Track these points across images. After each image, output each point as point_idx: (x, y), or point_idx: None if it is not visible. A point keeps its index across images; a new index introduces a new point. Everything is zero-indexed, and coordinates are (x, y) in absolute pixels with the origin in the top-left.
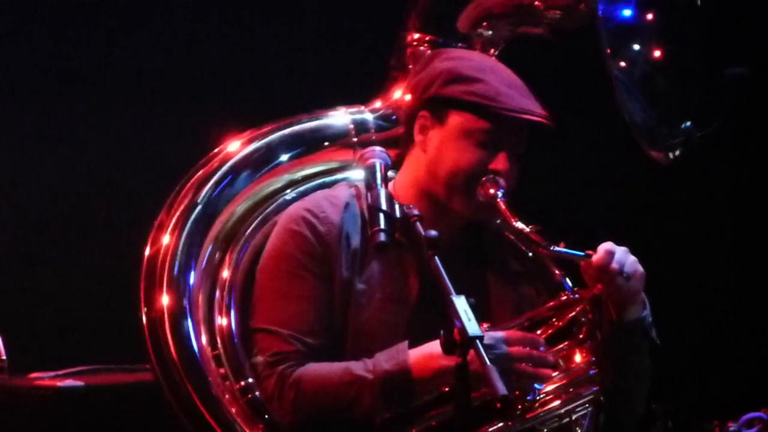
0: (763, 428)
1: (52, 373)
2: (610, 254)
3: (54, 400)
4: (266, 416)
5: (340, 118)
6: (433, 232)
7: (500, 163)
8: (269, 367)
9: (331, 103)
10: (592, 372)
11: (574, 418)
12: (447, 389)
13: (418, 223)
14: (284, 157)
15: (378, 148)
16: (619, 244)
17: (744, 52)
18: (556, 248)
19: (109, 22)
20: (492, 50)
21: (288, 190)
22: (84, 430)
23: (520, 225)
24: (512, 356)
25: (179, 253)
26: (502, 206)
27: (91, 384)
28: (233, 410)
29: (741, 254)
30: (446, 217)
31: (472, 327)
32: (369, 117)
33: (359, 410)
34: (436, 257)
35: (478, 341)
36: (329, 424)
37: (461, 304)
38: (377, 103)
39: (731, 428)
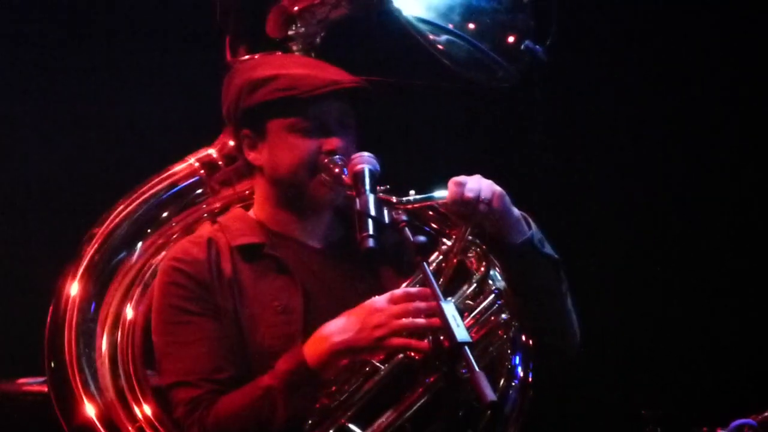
0: None
1: (41, 379)
2: (461, 185)
3: (42, 405)
4: None
5: (186, 165)
6: (422, 238)
7: (330, 143)
8: (187, 416)
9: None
10: (498, 303)
11: (493, 351)
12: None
13: (406, 229)
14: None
15: (367, 154)
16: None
17: None
18: (410, 198)
19: None
20: (312, 43)
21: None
22: None
23: (369, 192)
24: (398, 313)
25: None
26: (348, 181)
27: None
28: None
29: (733, 260)
30: (314, 218)
31: (461, 333)
32: (215, 155)
33: (279, 418)
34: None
35: (466, 347)
36: None
37: (449, 309)
38: (220, 140)
39: None
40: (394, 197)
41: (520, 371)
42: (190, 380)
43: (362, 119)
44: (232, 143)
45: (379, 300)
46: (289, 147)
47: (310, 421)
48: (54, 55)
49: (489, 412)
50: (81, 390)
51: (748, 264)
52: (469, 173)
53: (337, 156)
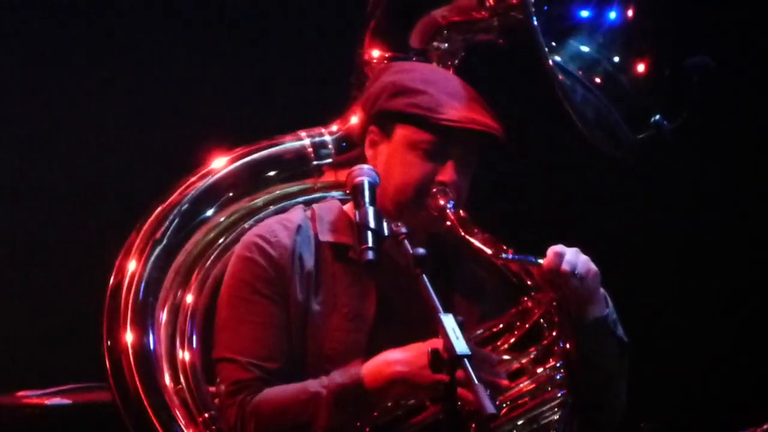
0: None
1: (40, 391)
2: (560, 256)
3: (41, 418)
4: None
5: (298, 142)
6: (421, 250)
7: (447, 174)
8: (230, 396)
9: (296, 126)
10: (559, 376)
11: (543, 423)
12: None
13: (406, 241)
14: (245, 187)
15: (366, 166)
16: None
17: (703, 42)
18: (507, 256)
19: None
20: (451, 61)
21: (248, 219)
22: None
23: (467, 236)
24: None
25: (144, 283)
26: (452, 217)
27: (78, 402)
28: None
29: (734, 273)
30: (408, 234)
31: (460, 345)
32: (328, 139)
33: (318, 426)
34: (425, 275)
35: (465, 359)
36: None
37: (449, 322)
38: (336, 125)
39: None
40: (492, 250)
41: None
42: (242, 360)
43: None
44: (350, 127)
45: None
46: (406, 163)
47: None
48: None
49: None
50: (138, 381)
51: (749, 276)
52: (569, 243)
53: (449, 189)
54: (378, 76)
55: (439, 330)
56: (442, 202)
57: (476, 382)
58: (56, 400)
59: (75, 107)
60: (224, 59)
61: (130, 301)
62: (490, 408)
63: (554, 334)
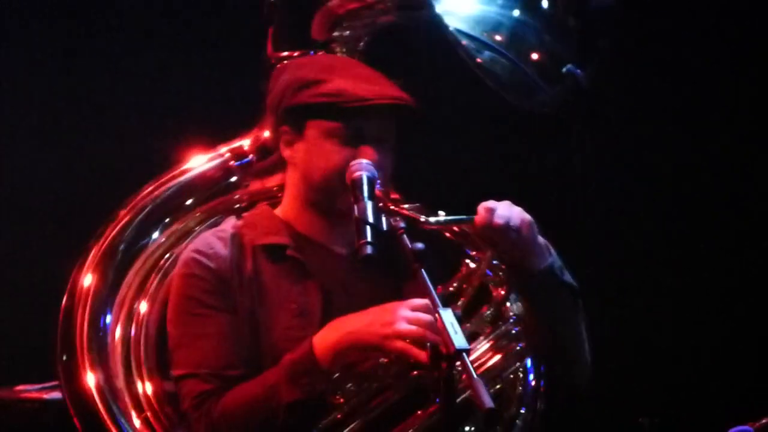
0: None
1: (38, 386)
2: (491, 211)
3: (40, 412)
4: None
5: (219, 159)
6: (420, 245)
7: (366, 154)
8: (195, 409)
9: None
10: (515, 330)
11: (507, 379)
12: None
13: (404, 236)
14: (177, 211)
15: (365, 161)
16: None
17: None
18: (438, 219)
19: None
20: (356, 48)
21: (185, 240)
22: None
23: (397, 208)
24: (410, 319)
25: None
26: (378, 193)
27: None
28: None
29: (730, 268)
30: (340, 225)
31: (459, 340)
32: (248, 149)
33: (282, 407)
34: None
35: (464, 354)
36: None
37: (448, 316)
38: (253, 134)
39: None
40: (422, 216)
41: (530, 398)
42: (201, 373)
43: (402, 136)
44: (266, 136)
45: (398, 303)
46: (325, 152)
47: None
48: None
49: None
50: (90, 378)
51: (745, 271)
52: (500, 198)
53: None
54: (278, 76)
55: (439, 325)
56: None
57: (475, 376)
58: (55, 395)
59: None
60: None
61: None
62: (488, 402)
63: (502, 291)
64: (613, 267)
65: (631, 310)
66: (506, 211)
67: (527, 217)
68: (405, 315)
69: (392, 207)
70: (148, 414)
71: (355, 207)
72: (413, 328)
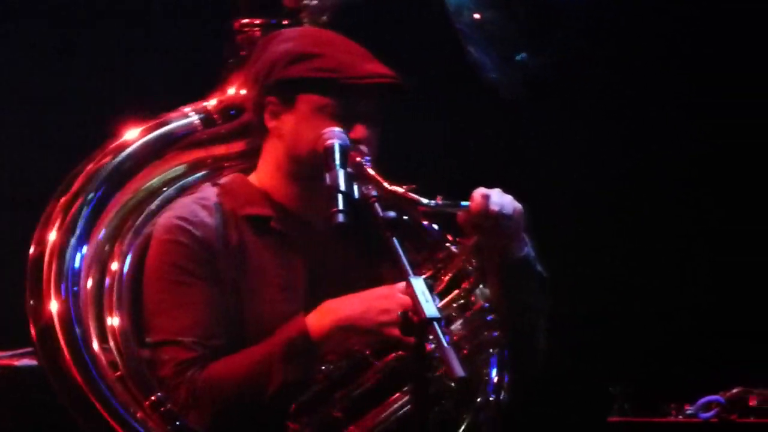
0: (720, 411)
1: (9, 353)
2: (487, 198)
3: (11, 379)
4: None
5: (185, 119)
6: (392, 213)
7: (358, 131)
8: (177, 376)
9: (176, 104)
10: (489, 318)
11: (479, 363)
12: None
13: (376, 204)
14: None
15: (337, 129)
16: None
17: None
18: (436, 203)
19: None
20: (321, 18)
21: (151, 200)
22: (41, 409)
23: (393, 187)
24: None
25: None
26: (371, 172)
27: None
28: (152, 425)
29: (701, 237)
30: (322, 200)
31: (430, 308)
32: (212, 109)
33: (274, 384)
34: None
35: (435, 323)
36: (250, 416)
37: (419, 285)
38: (216, 97)
39: (688, 411)
40: (423, 199)
41: (497, 384)
42: (183, 341)
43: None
44: (231, 96)
45: (392, 288)
46: (315, 126)
47: (295, 405)
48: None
49: (458, 389)
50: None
51: (716, 241)
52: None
53: (362, 146)
54: (264, 46)
55: (409, 293)
56: (358, 159)
57: (446, 345)
58: (25, 361)
59: None
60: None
61: (53, 276)
62: (459, 371)
63: (477, 277)
64: (579, 232)
65: (598, 278)
66: (499, 198)
67: (518, 205)
68: (402, 301)
69: (390, 187)
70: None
71: (327, 175)
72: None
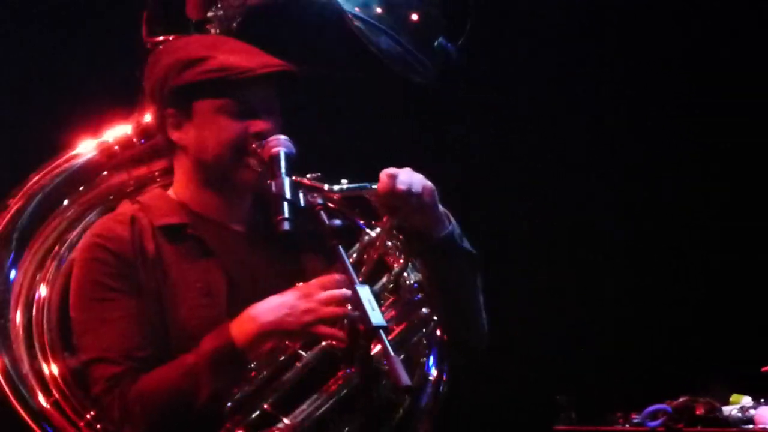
0: (667, 420)
1: None
2: (393, 177)
3: None
4: None
5: (101, 141)
6: (337, 221)
7: (259, 125)
8: (108, 393)
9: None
10: (417, 297)
11: (412, 345)
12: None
13: (322, 212)
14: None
15: (283, 137)
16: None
17: None
18: (341, 187)
19: None
20: (229, 27)
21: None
22: None
23: (298, 178)
24: (327, 300)
25: None
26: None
27: None
28: None
29: (643, 243)
30: (236, 201)
31: (376, 317)
32: (129, 131)
33: (203, 395)
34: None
35: (381, 331)
36: (184, 426)
37: (365, 293)
38: (135, 119)
39: (635, 420)
40: (325, 185)
41: (434, 366)
42: (111, 357)
43: (286, 105)
44: (148, 120)
45: (311, 285)
46: (217, 129)
47: (230, 404)
48: None
49: (405, 397)
50: None
51: (661, 248)
52: (395, 165)
53: (264, 140)
54: (156, 60)
55: (356, 302)
56: (254, 146)
57: (392, 353)
58: None
59: None
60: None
61: None
62: (405, 380)
63: (401, 260)
64: (521, 243)
65: (543, 287)
66: (408, 177)
67: (429, 183)
68: (324, 297)
69: (294, 177)
70: (57, 396)
71: (273, 183)
72: (335, 308)
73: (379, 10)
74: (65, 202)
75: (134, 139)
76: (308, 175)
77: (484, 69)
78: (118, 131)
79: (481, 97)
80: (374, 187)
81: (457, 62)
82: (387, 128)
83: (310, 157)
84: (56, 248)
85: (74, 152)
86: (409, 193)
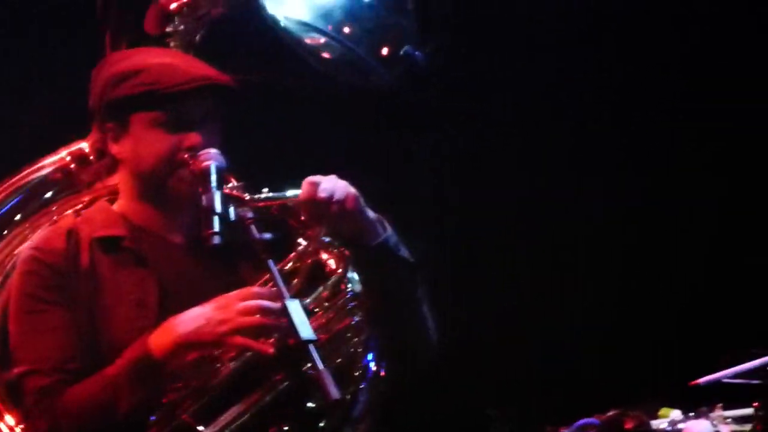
0: None
1: None
2: (315, 185)
3: None
4: None
5: (59, 161)
6: (267, 235)
7: (191, 139)
8: (37, 405)
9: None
10: (351, 305)
11: (349, 353)
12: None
13: (252, 226)
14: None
15: (213, 150)
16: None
17: None
18: (261, 196)
19: None
20: (190, 41)
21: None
22: None
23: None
24: (244, 310)
25: None
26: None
27: None
28: None
29: (577, 257)
30: (175, 213)
31: (306, 331)
32: (86, 148)
33: (123, 407)
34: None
35: (311, 345)
36: None
37: (295, 307)
38: (92, 135)
39: None
40: (247, 194)
41: (371, 374)
42: (41, 369)
43: (230, 118)
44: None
45: (230, 296)
46: (150, 141)
47: (153, 417)
48: None
49: (334, 410)
50: None
51: (593, 261)
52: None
53: (197, 153)
54: (97, 73)
55: (285, 316)
56: (186, 156)
57: (321, 367)
58: None
59: None
60: None
61: None
62: (335, 394)
63: (337, 269)
64: (458, 253)
65: (479, 301)
66: (330, 185)
67: (352, 190)
68: (241, 308)
69: (214, 189)
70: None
71: (203, 197)
72: (251, 318)
73: (339, 20)
74: (17, 217)
75: (91, 156)
76: (230, 185)
77: (463, 75)
78: (74, 148)
79: (460, 105)
80: (296, 194)
81: (423, 70)
82: (359, 137)
83: (278, 169)
84: (3, 265)
85: (26, 171)
86: (330, 201)
